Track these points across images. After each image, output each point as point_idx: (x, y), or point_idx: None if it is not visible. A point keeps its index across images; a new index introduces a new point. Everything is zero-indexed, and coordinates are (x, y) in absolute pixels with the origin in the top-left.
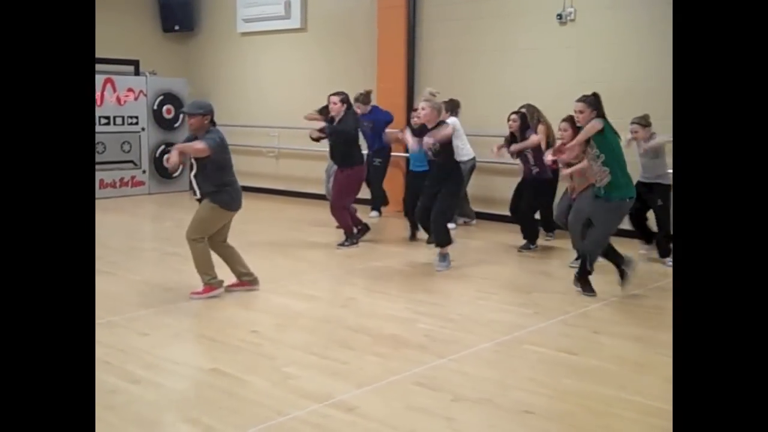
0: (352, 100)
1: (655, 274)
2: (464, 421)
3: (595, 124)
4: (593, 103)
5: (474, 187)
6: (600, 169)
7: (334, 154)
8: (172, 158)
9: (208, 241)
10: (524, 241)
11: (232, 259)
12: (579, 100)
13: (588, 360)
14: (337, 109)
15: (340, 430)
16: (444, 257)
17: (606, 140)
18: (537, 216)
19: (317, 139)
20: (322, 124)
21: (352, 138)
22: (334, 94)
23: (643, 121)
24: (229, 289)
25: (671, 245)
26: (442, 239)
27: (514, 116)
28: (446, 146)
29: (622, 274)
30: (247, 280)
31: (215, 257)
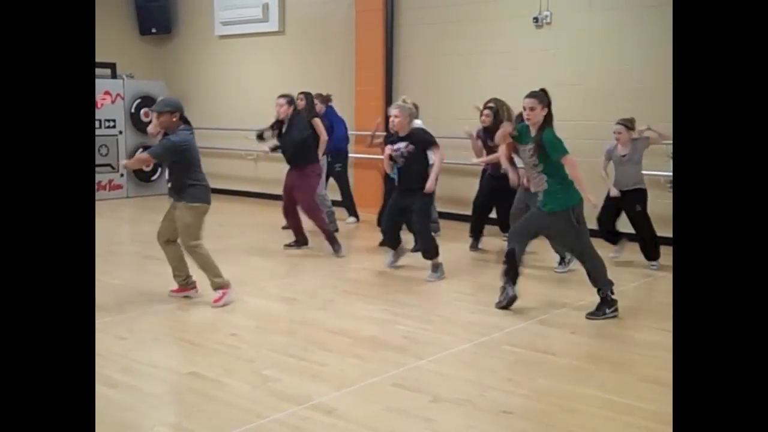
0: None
1: (629, 275)
2: (443, 422)
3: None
4: (545, 99)
5: (441, 188)
6: (539, 177)
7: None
8: (127, 163)
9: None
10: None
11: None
12: (530, 96)
13: (565, 360)
14: (284, 112)
15: None
16: (437, 268)
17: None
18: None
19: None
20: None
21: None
22: (280, 96)
23: (629, 124)
24: (172, 294)
25: (659, 248)
26: (432, 251)
27: (486, 111)
28: (419, 155)
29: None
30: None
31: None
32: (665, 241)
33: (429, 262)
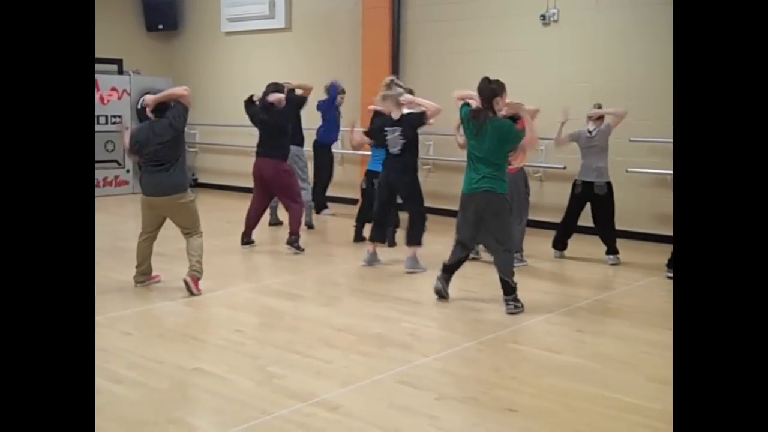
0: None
1: (636, 274)
2: (448, 420)
3: None
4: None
5: (440, 185)
6: None
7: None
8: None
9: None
10: None
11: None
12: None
13: (571, 358)
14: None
15: (324, 429)
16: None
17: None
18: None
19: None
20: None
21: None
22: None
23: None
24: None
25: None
26: (419, 239)
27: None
28: (414, 141)
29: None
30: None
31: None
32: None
33: (438, 258)
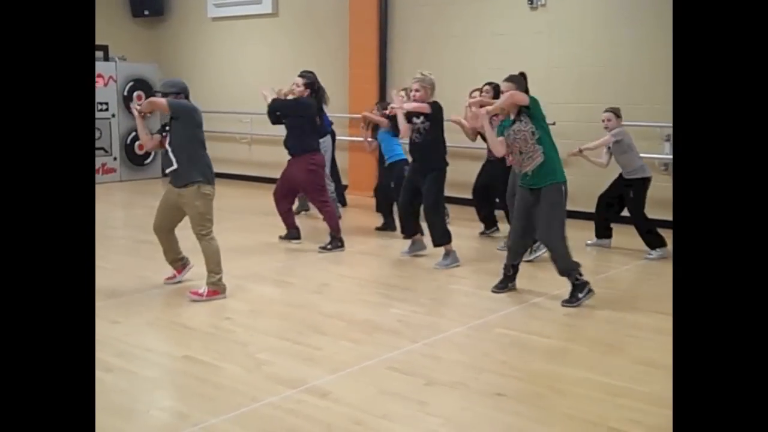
0: None
1: (622, 257)
2: (437, 405)
3: (521, 96)
4: (519, 81)
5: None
6: (534, 149)
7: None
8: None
9: (158, 227)
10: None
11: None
12: (506, 80)
13: (559, 343)
14: (300, 93)
15: (314, 416)
16: (447, 254)
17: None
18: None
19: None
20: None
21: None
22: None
23: (618, 112)
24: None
25: (653, 236)
26: (441, 237)
27: (487, 87)
28: (435, 128)
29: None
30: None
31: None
32: (662, 224)
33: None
